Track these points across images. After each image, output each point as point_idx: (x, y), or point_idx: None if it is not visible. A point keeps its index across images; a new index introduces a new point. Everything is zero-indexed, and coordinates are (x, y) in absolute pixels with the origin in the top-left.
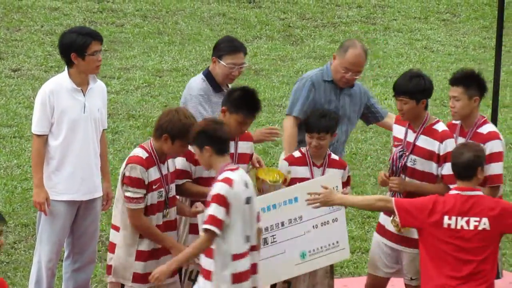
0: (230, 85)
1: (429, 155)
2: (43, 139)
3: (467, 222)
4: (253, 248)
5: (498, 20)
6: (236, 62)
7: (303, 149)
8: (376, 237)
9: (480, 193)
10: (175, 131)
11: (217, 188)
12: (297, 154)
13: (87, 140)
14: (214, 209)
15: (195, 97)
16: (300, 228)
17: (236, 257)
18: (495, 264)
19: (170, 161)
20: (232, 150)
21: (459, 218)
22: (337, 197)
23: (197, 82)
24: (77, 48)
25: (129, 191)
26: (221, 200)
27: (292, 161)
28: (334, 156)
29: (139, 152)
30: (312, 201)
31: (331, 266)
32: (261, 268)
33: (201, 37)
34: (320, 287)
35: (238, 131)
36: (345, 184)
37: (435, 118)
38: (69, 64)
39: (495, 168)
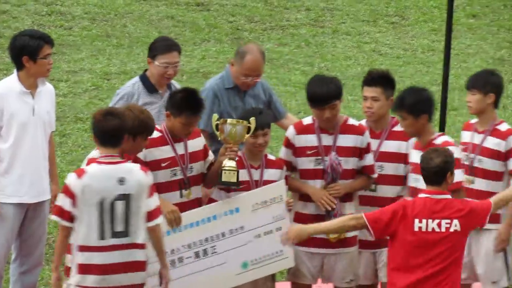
0: (175, 87)
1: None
2: None
3: (439, 225)
4: (134, 246)
5: (447, 23)
6: (170, 61)
7: (239, 152)
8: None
9: (449, 196)
10: (130, 126)
11: (67, 178)
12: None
13: (36, 143)
14: (61, 200)
15: (117, 95)
16: (241, 238)
17: (83, 248)
18: (460, 267)
19: (195, 140)
20: (182, 151)
21: (429, 220)
22: (308, 229)
23: (127, 84)
24: (29, 51)
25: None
26: (67, 191)
27: None
28: (270, 156)
29: (95, 154)
30: (285, 241)
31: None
32: (202, 279)
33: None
34: None
35: (184, 133)
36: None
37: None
38: (19, 67)
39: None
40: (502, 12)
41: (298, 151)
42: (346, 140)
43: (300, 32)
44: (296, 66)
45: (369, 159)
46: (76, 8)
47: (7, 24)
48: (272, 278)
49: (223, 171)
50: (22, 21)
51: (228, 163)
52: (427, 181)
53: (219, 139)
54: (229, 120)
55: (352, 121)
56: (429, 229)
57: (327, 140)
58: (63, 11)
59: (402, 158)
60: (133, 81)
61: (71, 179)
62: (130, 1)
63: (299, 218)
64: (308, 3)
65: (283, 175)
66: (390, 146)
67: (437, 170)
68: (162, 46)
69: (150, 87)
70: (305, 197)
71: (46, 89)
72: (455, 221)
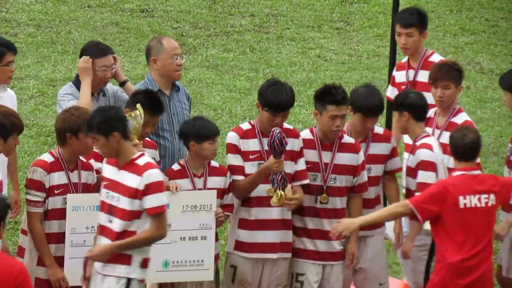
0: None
1: None
2: None
3: (479, 200)
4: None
5: (392, 29)
6: (107, 64)
7: (182, 161)
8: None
9: (480, 172)
10: (74, 126)
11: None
12: (176, 167)
13: None
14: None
15: (61, 96)
16: (167, 235)
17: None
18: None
19: (90, 174)
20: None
21: (471, 196)
22: (358, 221)
23: (63, 87)
24: None
25: (28, 193)
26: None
27: (172, 175)
28: (214, 164)
29: (45, 156)
30: (335, 233)
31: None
32: None
33: None
34: None
35: (142, 133)
36: (227, 190)
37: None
38: None
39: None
40: (447, 17)
41: (243, 155)
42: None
43: (245, 38)
44: (241, 72)
45: (301, 164)
46: (21, 15)
47: None
48: (217, 283)
49: None
50: None
51: None
52: (462, 157)
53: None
54: (130, 113)
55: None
56: (473, 205)
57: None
58: (8, 18)
59: (352, 170)
60: (67, 86)
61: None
62: (75, 8)
63: (243, 224)
64: (253, 9)
65: (227, 181)
66: (342, 158)
67: (472, 145)
68: (97, 51)
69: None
70: (248, 203)
71: (8, 95)
72: (492, 196)
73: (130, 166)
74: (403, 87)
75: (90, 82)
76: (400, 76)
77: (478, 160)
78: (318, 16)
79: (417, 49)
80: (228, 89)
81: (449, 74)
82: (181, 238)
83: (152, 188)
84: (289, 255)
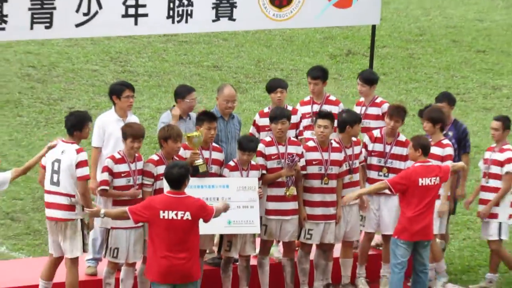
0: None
1: None
2: None
3: (431, 180)
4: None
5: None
6: (193, 98)
7: (235, 160)
8: None
9: (431, 163)
10: (164, 136)
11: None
12: (232, 163)
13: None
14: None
15: (161, 119)
16: (230, 205)
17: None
18: None
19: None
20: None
21: (426, 178)
22: (355, 192)
23: (163, 115)
24: (115, 92)
25: (144, 179)
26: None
27: (230, 168)
28: (253, 162)
29: (154, 156)
30: (346, 202)
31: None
32: (201, 225)
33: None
34: (248, 244)
35: (208, 136)
36: (260, 179)
37: None
38: (113, 103)
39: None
40: (401, 71)
41: (267, 158)
42: (292, 149)
43: None
44: None
45: (301, 162)
46: (139, 68)
47: None
48: (254, 238)
49: (199, 167)
50: None
51: (198, 161)
52: (425, 154)
53: (191, 147)
54: (192, 134)
55: (252, 162)
56: (426, 184)
57: (282, 149)
58: (131, 70)
59: (338, 163)
60: (165, 114)
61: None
62: (173, 64)
63: (269, 198)
64: (282, 66)
65: (260, 174)
66: (334, 156)
67: (427, 148)
68: (186, 90)
69: (180, 116)
70: (271, 185)
71: (132, 118)
72: (438, 178)
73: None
74: (307, 116)
75: (178, 115)
76: (305, 109)
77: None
78: None
79: (320, 93)
80: None
81: (400, 113)
82: (237, 206)
83: None
84: (297, 217)
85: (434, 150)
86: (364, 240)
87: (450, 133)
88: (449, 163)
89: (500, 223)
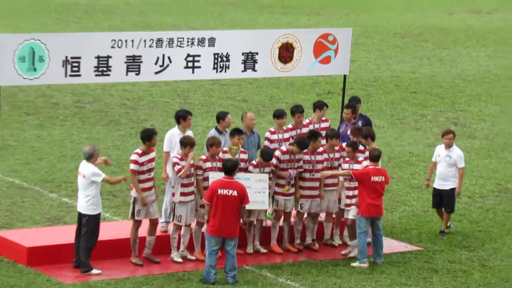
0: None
1: None
2: None
3: (379, 178)
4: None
5: (341, 108)
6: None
7: (255, 161)
8: None
9: (380, 166)
10: (209, 143)
11: None
12: (254, 163)
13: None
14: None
15: (209, 134)
16: (249, 190)
17: None
18: None
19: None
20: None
21: (377, 177)
22: (328, 173)
23: (210, 132)
24: (181, 116)
25: (197, 172)
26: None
27: (253, 166)
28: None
29: (202, 156)
30: (324, 173)
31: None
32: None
33: None
34: (262, 212)
35: (238, 143)
36: (268, 172)
37: None
38: (178, 123)
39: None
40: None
41: (280, 162)
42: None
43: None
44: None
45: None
46: (196, 99)
47: None
48: (264, 212)
49: (234, 152)
50: None
51: (234, 148)
52: (374, 160)
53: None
54: (232, 146)
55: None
56: (377, 180)
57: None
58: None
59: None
60: (212, 131)
61: None
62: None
63: (277, 184)
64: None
65: (271, 169)
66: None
67: (379, 155)
68: (223, 114)
69: (220, 131)
70: (279, 179)
71: (189, 132)
72: (384, 177)
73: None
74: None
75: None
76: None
77: (380, 162)
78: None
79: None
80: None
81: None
82: (254, 192)
83: None
84: (293, 196)
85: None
86: (339, 212)
87: (360, 122)
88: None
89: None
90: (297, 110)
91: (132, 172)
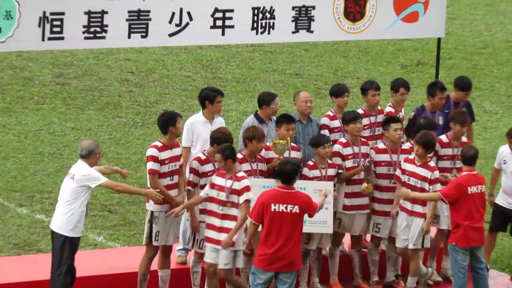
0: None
1: None
2: None
3: (477, 188)
4: None
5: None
6: (277, 103)
7: (313, 159)
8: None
9: (475, 172)
10: (248, 136)
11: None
12: (311, 162)
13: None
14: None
15: (244, 123)
16: None
17: None
18: None
19: (264, 165)
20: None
21: (474, 187)
22: (412, 194)
23: (248, 119)
24: (209, 98)
25: None
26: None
27: (309, 167)
28: (329, 161)
29: (239, 154)
30: (402, 195)
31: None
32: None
33: None
34: (324, 237)
35: (289, 136)
36: (335, 177)
37: None
38: (203, 107)
39: None
40: None
41: (344, 158)
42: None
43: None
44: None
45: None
46: (228, 75)
47: None
48: (331, 237)
49: (282, 146)
50: None
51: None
52: (469, 163)
53: (276, 153)
54: (278, 141)
55: (329, 161)
56: (476, 191)
57: (357, 149)
58: (221, 77)
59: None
60: (250, 118)
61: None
62: (259, 72)
63: (346, 194)
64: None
65: (336, 172)
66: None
67: (475, 156)
68: (269, 97)
69: (261, 120)
70: (349, 182)
71: (219, 120)
72: (483, 186)
73: (233, 176)
74: (366, 127)
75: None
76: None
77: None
78: None
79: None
80: None
81: (462, 118)
82: None
83: (244, 189)
84: (368, 211)
85: (421, 171)
86: (436, 235)
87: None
88: (438, 187)
89: None
90: (371, 87)
91: (152, 173)
